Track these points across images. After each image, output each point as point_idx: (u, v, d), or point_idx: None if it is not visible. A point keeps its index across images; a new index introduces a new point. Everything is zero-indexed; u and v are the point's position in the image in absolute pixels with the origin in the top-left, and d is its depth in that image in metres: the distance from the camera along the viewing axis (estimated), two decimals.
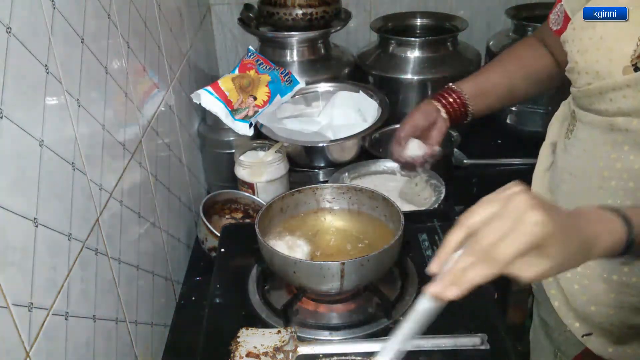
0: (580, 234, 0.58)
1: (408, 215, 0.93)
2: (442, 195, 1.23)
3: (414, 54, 1.56)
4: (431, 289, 0.57)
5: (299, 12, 1.53)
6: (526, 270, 0.55)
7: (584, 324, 0.87)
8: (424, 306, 0.58)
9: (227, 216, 1.31)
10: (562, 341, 0.94)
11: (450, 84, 1.12)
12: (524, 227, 0.53)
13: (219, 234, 1.10)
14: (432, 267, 0.59)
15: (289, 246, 0.94)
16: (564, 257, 0.56)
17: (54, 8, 0.67)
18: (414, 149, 1.11)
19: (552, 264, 0.55)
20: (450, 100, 1.09)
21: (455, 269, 0.56)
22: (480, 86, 1.11)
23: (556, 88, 1.09)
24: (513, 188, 0.57)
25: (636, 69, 0.72)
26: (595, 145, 0.81)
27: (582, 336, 0.87)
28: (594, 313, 0.84)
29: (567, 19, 0.88)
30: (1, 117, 0.55)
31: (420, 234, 1.05)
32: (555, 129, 0.98)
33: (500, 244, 0.54)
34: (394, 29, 1.70)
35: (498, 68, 1.11)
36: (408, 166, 1.14)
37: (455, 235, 0.58)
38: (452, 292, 0.55)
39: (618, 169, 0.78)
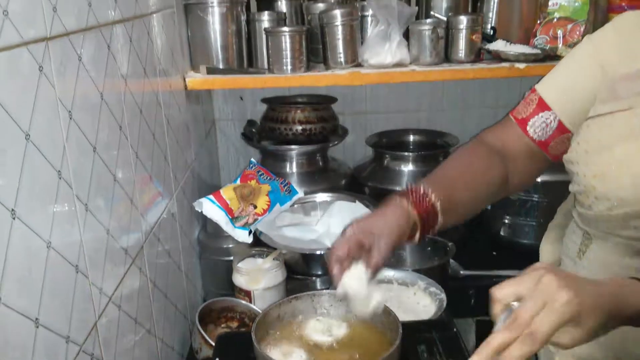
0: (608, 301, 0.61)
1: (406, 325, 0.92)
2: (444, 304, 1.21)
3: (407, 168, 1.63)
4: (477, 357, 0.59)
5: (299, 127, 1.61)
6: (564, 339, 0.60)
7: None
8: None
9: (222, 325, 1.29)
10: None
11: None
12: (556, 308, 0.57)
13: (213, 344, 1.08)
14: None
15: (285, 355, 0.92)
16: (597, 324, 0.60)
17: (71, 118, 0.72)
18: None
19: (586, 333, 0.59)
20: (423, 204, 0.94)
21: (496, 343, 0.58)
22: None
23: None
24: (539, 268, 0.61)
25: None
26: (619, 267, 0.78)
27: None
28: None
29: (560, 131, 0.84)
30: (14, 218, 0.57)
31: (419, 344, 1.03)
32: (553, 236, 0.96)
33: (537, 323, 0.57)
34: (388, 144, 1.78)
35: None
36: None
37: (495, 311, 0.62)
38: None
39: None
